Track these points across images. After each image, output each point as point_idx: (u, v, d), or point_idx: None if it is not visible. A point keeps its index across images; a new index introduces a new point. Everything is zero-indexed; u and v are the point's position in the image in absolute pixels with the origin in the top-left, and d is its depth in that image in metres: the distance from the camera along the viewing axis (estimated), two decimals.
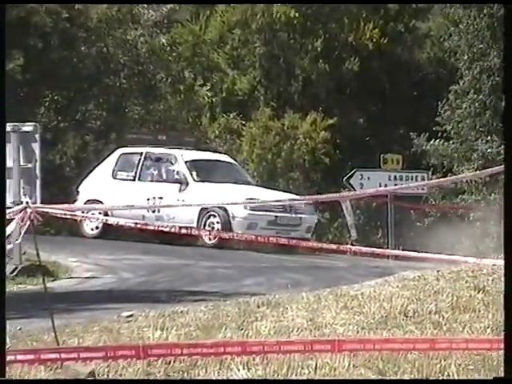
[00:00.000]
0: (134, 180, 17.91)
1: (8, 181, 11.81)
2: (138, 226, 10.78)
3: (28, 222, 6.11)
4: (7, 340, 6.95)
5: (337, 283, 9.81)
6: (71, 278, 12.87)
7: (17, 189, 11.91)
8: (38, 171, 12.17)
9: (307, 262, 14.46)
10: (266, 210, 16.84)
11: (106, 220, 15.78)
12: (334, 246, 9.96)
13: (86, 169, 20.99)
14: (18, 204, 6.44)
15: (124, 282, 12.56)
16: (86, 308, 9.47)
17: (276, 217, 16.92)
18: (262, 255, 15.27)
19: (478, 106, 24.01)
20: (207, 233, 16.63)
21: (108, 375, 5.78)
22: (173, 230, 10.38)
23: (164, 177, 17.70)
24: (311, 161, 24.94)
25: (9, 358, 5.66)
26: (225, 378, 5.70)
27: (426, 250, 9.65)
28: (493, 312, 7.10)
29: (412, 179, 21.23)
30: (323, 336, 6.56)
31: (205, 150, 20.31)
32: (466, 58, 24.38)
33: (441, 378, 5.03)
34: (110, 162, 18.48)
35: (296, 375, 5.70)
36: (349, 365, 5.81)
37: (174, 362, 5.88)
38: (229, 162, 19.08)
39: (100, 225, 17.27)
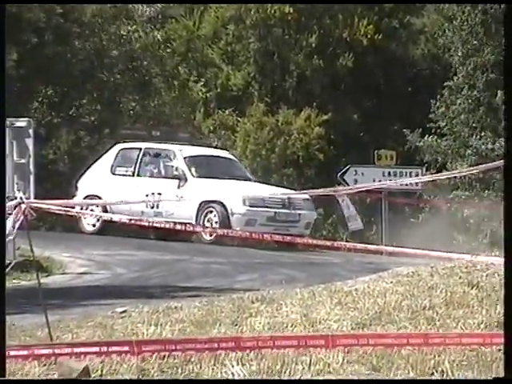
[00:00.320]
0: (132, 176, 17.88)
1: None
2: (133, 221, 10.76)
3: (22, 217, 6.10)
4: None
5: (331, 279, 9.82)
6: (65, 273, 12.86)
7: (10, 184, 11.90)
8: (31, 166, 12.18)
9: (301, 258, 14.46)
10: (265, 207, 16.79)
11: (101, 216, 15.78)
12: (328, 243, 9.98)
13: (80, 164, 20.99)
14: (12, 199, 6.41)
15: (118, 277, 12.55)
16: (80, 304, 9.47)
17: (275, 213, 16.85)
18: (256, 251, 15.26)
19: (472, 102, 24.06)
20: (202, 229, 16.57)
21: (102, 371, 5.78)
22: (167, 226, 10.36)
23: (163, 173, 17.65)
24: (305, 157, 24.95)
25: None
26: (219, 373, 5.70)
27: (419, 245, 9.65)
28: (486, 308, 7.11)
29: (406, 175, 21.26)
30: (317, 332, 6.57)
31: (205, 146, 20.29)
32: (460, 54, 24.43)
33: (438, 378, 5.00)
34: (109, 157, 18.45)
35: (290, 371, 5.71)
36: (343, 360, 5.82)
37: (168, 357, 5.88)
38: (228, 158, 19.03)
39: (99, 221, 17.21)
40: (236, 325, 7.07)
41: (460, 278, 8.26)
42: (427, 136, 23.84)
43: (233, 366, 5.72)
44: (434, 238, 17.25)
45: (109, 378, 5.73)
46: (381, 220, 20.27)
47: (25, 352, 5.65)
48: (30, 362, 5.75)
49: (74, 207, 10.09)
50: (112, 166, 18.18)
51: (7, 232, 6.23)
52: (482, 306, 7.17)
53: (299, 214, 17.17)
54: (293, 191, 17.83)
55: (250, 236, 10.31)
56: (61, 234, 17.69)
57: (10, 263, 10.33)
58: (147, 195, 17.15)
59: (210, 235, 16.23)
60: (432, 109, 24.16)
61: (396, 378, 4.89)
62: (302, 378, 5.63)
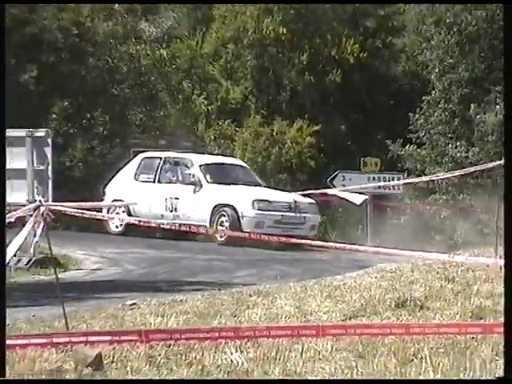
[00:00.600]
0: (153, 182, 17.80)
1: (23, 181, 11.80)
2: (141, 223, 10.82)
3: (42, 219, 6.10)
4: (23, 325, 6.96)
5: (321, 275, 9.83)
6: (80, 269, 12.84)
7: (31, 188, 11.88)
8: (49, 173, 12.15)
9: (295, 255, 14.43)
10: (273, 210, 16.64)
11: (112, 218, 15.72)
12: (320, 243, 9.96)
13: (93, 170, 21.01)
14: (32, 202, 6.40)
15: (128, 273, 12.55)
16: (94, 297, 9.46)
17: (282, 216, 16.68)
18: (254, 250, 15.16)
19: (448, 114, 24.10)
20: (214, 231, 16.36)
21: (113, 358, 5.77)
22: (173, 227, 10.31)
23: (180, 179, 17.53)
24: (298, 163, 24.95)
25: (24, 341, 5.66)
26: (219, 360, 5.68)
27: (401, 244, 9.66)
28: (461, 300, 7.13)
29: (389, 180, 21.26)
30: (309, 322, 6.57)
31: (218, 155, 20.24)
32: (437, 70, 24.48)
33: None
34: (133, 165, 18.44)
35: (284, 358, 5.70)
36: (332, 348, 5.82)
37: (174, 345, 5.87)
38: (240, 165, 18.95)
39: (123, 223, 17.08)
40: (235, 316, 7.08)
41: (437, 273, 8.28)
42: (408, 145, 23.87)
43: (232, 354, 5.72)
44: (413, 238, 17.26)
45: (119, 364, 5.72)
46: (366, 221, 20.26)
47: (44, 340, 5.64)
48: (49, 349, 5.74)
49: (88, 209, 10.07)
50: (135, 173, 18.14)
51: (27, 232, 6.22)
52: (457, 299, 7.19)
53: (304, 217, 16.97)
54: (298, 195, 17.52)
55: (258, 237, 10.24)
56: (76, 234, 17.65)
57: (30, 260, 10.34)
58: (166, 200, 17.14)
59: (221, 236, 16.07)
60: (412, 121, 24.20)
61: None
62: (294, 364, 5.62)
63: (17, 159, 11.71)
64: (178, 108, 25.18)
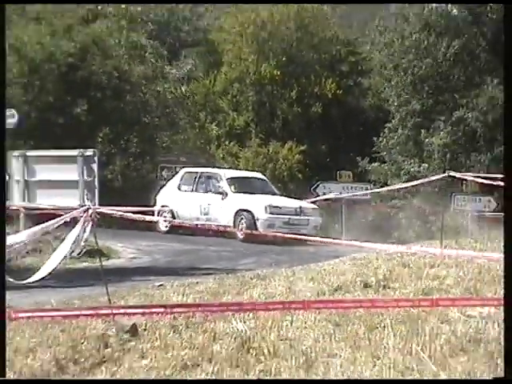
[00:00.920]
0: (191, 191, 17.59)
1: (76, 190, 11.79)
2: (176, 223, 10.63)
3: (90, 219, 6.10)
4: (76, 301, 6.95)
5: (307, 262, 9.81)
6: (120, 258, 12.82)
7: (82, 195, 11.84)
8: (96, 183, 12.10)
9: (286, 248, 14.39)
10: (282, 214, 16.32)
11: (144, 219, 15.59)
12: (307, 238, 9.94)
13: (129, 182, 21.00)
14: (83, 206, 6.40)
15: (157, 261, 12.52)
16: (130, 279, 9.45)
17: (289, 218, 16.34)
18: (255, 245, 15.06)
19: (404, 138, 24.17)
20: (237, 230, 15.96)
21: (146, 326, 5.74)
22: (206, 227, 10.22)
23: (212, 189, 17.28)
24: (288, 176, 24.99)
25: (76, 313, 5.65)
26: (228, 328, 5.64)
27: (368, 238, 9.64)
28: (414, 281, 7.11)
29: (359, 189, 21.26)
30: (297, 299, 6.56)
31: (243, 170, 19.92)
32: (395, 104, 24.57)
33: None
34: (177, 178, 18.26)
35: (278, 326, 5.66)
36: (315, 319, 5.80)
37: (192, 317, 5.86)
38: (261, 178, 18.52)
39: (169, 224, 16.80)
40: (239, 294, 7.06)
41: (396, 260, 8.27)
42: (373, 162, 23.93)
43: (237, 323, 5.70)
44: (378, 233, 17.24)
45: (150, 331, 5.68)
46: (341, 220, 20.22)
47: (92, 312, 5.64)
48: (96, 320, 5.74)
49: (131, 212, 10.06)
50: (178, 184, 17.96)
51: (79, 229, 6.20)
52: (411, 280, 7.18)
53: (308, 219, 16.63)
54: (304, 202, 17.10)
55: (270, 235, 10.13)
56: (116, 231, 17.49)
57: (81, 251, 10.31)
58: (201, 205, 16.93)
59: (241, 235, 15.58)
60: (376, 143, 24.28)
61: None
62: (285, 332, 5.59)
63: (71, 173, 11.73)
64: (195, 133, 25.20)
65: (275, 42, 27.56)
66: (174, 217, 17.09)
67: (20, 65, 20.31)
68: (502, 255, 7.03)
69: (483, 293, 6.47)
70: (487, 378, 4.60)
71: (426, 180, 12.89)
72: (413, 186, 16.78)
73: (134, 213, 7.21)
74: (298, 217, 16.55)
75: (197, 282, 7.91)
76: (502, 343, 4.58)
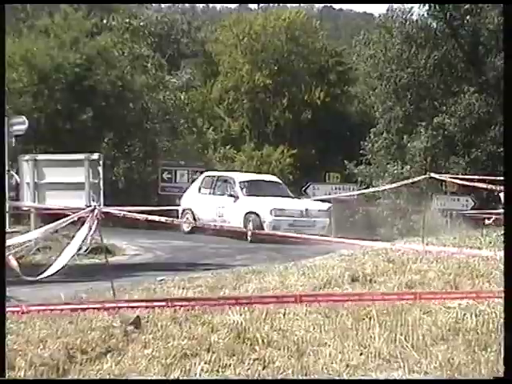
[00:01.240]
0: (210, 194, 17.38)
1: (82, 191, 11.77)
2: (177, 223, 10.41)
3: (96, 218, 6.09)
4: (83, 295, 6.94)
5: (298, 258, 9.78)
6: (124, 255, 12.77)
7: (88, 196, 11.82)
8: (101, 185, 12.07)
9: (280, 245, 14.37)
10: (287, 216, 16.01)
11: (146, 218, 15.45)
12: (302, 236, 9.92)
13: (132, 184, 20.99)
14: (89, 206, 6.39)
15: (158, 257, 12.48)
16: (133, 274, 9.41)
17: (294, 220, 15.96)
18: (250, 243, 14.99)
19: (388, 142, 24.21)
20: (247, 231, 15.78)
21: (148, 318, 5.73)
22: (219, 228, 10.26)
23: (227, 192, 17.03)
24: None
25: (84, 306, 5.64)
26: (224, 320, 5.63)
27: (356, 235, 9.65)
28: (398, 275, 7.10)
29: (346, 189, 21.27)
30: (289, 292, 6.56)
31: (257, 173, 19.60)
32: (380, 110, 24.60)
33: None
34: (198, 182, 18.10)
35: (271, 318, 5.65)
36: (306, 311, 5.78)
37: (191, 309, 5.84)
38: (274, 181, 18.17)
39: (190, 225, 16.54)
40: (235, 289, 7.04)
41: (382, 256, 8.26)
42: (360, 164, 23.95)
43: (234, 315, 5.69)
44: (364, 230, 17.25)
45: (152, 323, 5.66)
46: (330, 218, 20.19)
47: (98, 305, 5.63)
48: (102, 312, 5.72)
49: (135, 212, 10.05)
50: (199, 187, 17.76)
51: (86, 228, 6.19)
52: (395, 274, 7.17)
53: (314, 221, 16.28)
54: (310, 203, 16.77)
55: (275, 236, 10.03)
56: (120, 229, 17.38)
57: (88, 248, 10.28)
58: (217, 208, 16.71)
59: (250, 236, 15.40)
60: (362, 146, 24.30)
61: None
62: (279, 323, 5.58)
63: (78, 175, 11.71)
64: (194, 138, 25.18)
65: (268, 53, 27.60)
66: (194, 218, 16.92)
67: (30, 75, 20.29)
68: (479, 251, 7.03)
69: (462, 286, 6.48)
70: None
71: (409, 181, 12.90)
72: (396, 186, 16.78)
73: (138, 213, 7.18)
74: (303, 219, 16.19)
75: (196, 277, 7.89)
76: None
